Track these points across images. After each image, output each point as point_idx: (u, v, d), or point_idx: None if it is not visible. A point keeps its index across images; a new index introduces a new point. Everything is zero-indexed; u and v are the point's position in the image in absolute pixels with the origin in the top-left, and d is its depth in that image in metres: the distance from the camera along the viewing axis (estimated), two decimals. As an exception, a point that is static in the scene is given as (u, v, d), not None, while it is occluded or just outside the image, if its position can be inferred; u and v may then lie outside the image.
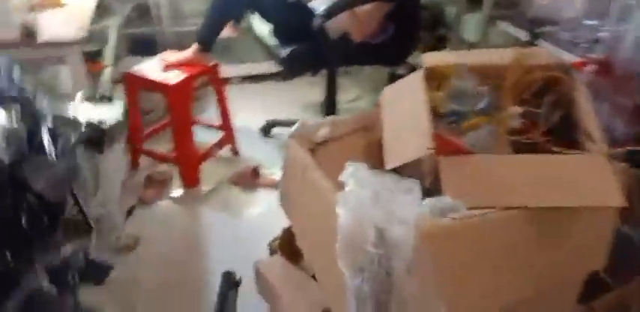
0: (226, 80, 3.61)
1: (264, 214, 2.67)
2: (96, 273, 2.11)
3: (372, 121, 1.59)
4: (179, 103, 2.64)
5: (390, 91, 1.61)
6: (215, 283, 2.08)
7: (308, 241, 1.56)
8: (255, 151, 3.15)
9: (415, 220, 1.16)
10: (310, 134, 1.50)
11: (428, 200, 1.25)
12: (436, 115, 1.53)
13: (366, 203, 1.16)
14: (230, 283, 1.76)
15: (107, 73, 3.09)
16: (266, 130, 3.31)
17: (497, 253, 1.26)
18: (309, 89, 3.66)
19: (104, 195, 2.36)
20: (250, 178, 2.90)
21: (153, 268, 2.31)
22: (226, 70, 3.41)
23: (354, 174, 1.21)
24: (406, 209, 1.18)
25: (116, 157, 2.62)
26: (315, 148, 1.50)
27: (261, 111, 3.51)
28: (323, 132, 1.51)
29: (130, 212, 2.59)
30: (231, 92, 3.12)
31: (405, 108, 1.53)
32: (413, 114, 1.49)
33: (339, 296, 1.23)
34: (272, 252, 2.08)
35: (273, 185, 2.74)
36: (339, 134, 1.55)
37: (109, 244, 2.31)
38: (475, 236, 1.22)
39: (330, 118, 1.55)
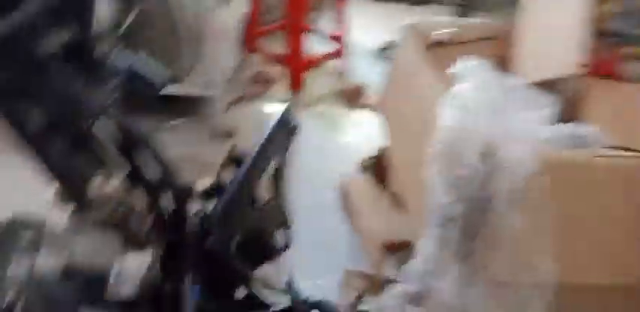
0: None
1: (360, 132, 2.49)
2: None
3: (503, 32, 1.32)
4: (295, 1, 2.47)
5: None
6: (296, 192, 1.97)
7: (401, 154, 1.36)
8: (365, 70, 2.93)
9: (539, 142, 0.93)
10: (428, 31, 1.26)
11: (561, 125, 1.00)
12: (595, 30, 1.23)
13: (479, 108, 0.92)
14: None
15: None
16: (381, 51, 3.06)
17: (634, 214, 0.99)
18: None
19: (210, 76, 2.33)
20: (354, 95, 2.71)
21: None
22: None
23: (473, 70, 0.97)
24: (530, 127, 0.94)
25: (227, 48, 2.57)
26: (430, 47, 1.27)
27: (382, 32, 3.24)
28: (443, 32, 1.26)
29: (232, 103, 2.53)
30: (354, 8, 2.88)
31: (556, 16, 1.24)
32: (566, 24, 1.19)
33: (422, 219, 1.04)
34: (362, 170, 1.95)
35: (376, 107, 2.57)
36: (461, 38, 1.29)
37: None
38: (614, 182, 0.96)
39: (454, 18, 1.30)
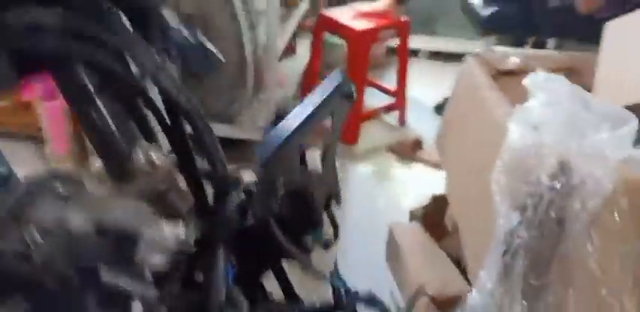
0: (415, 52, 3.42)
1: (413, 185, 2.42)
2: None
3: (580, 64, 1.26)
4: (360, 48, 2.50)
5: (616, 26, 1.25)
6: (346, 235, 1.90)
7: (461, 190, 1.28)
8: (423, 125, 2.89)
9: (617, 162, 0.84)
10: (496, 60, 1.22)
11: (641, 146, 0.91)
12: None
13: (552, 123, 0.85)
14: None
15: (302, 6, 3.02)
16: (440, 107, 3.03)
17: None
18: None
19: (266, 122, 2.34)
20: (410, 149, 2.66)
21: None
22: (417, 41, 3.22)
23: (546, 83, 0.90)
24: (609, 145, 0.85)
25: (285, 96, 2.59)
26: (497, 76, 1.21)
27: (442, 89, 3.24)
28: (512, 60, 1.21)
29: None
30: (416, 65, 2.90)
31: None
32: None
33: (483, 248, 0.94)
34: (412, 218, 1.88)
35: (432, 163, 2.51)
36: (531, 68, 1.23)
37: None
38: None
39: (526, 49, 1.25)
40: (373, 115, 2.78)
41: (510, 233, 0.88)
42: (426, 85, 3.19)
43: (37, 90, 2.03)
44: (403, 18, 2.61)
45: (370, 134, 2.77)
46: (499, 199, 0.87)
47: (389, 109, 2.83)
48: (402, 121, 2.90)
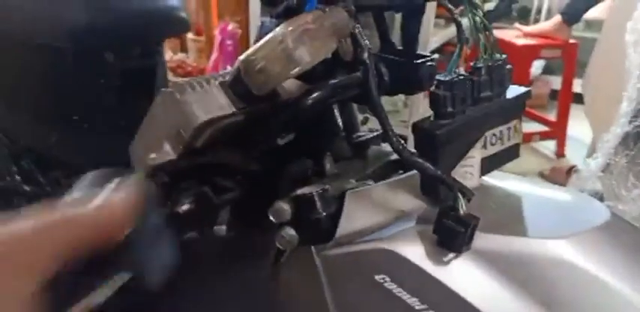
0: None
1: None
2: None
3: None
4: (520, 66, 2.43)
5: None
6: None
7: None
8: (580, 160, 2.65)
9: None
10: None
11: None
12: None
13: None
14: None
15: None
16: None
17: None
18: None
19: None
20: (564, 175, 2.44)
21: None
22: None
23: None
24: None
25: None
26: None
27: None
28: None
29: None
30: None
31: None
32: None
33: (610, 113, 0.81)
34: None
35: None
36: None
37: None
38: None
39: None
40: (527, 138, 2.62)
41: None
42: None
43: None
44: (571, 40, 2.51)
45: (523, 160, 2.60)
46: (634, 51, 0.77)
47: (544, 134, 2.65)
48: (559, 153, 2.69)
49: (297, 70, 0.40)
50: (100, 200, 0.30)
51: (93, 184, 0.35)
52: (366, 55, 0.43)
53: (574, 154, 2.67)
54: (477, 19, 0.47)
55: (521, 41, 2.46)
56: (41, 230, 0.28)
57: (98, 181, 0.34)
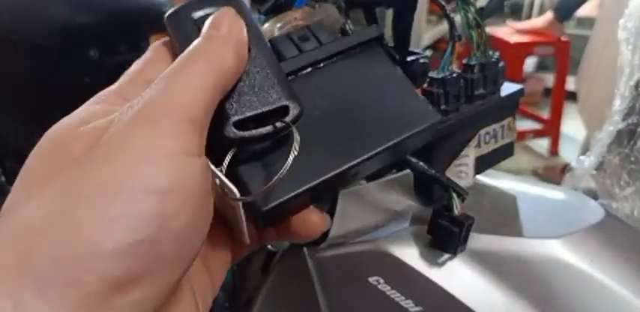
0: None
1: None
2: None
3: None
4: (513, 63, 2.43)
5: None
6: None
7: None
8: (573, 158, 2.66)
9: None
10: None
11: None
12: None
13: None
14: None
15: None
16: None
17: None
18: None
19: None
20: (558, 173, 2.44)
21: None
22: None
23: None
24: None
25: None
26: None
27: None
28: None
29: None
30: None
31: None
32: None
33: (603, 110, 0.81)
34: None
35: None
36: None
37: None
38: None
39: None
40: (521, 137, 2.62)
41: (636, 86, 0.75)
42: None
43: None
44: (563, 37, 2.51)
45: (516, 158, 2.61)
46: (626, 49, 0.77)
47: (538, 131, 2.66)
48: (553, 151, 2.70)
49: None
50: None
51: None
52: (357, 52, 0.43)
53: (568, 152, 2.68)
54: (470, 15, 0.47)
55: (514, 38, 2.46)
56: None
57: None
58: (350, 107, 0.30)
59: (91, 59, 0.82)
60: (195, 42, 0.27)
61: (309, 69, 0.31)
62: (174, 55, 0.28)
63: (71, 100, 0.93)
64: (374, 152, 0.30)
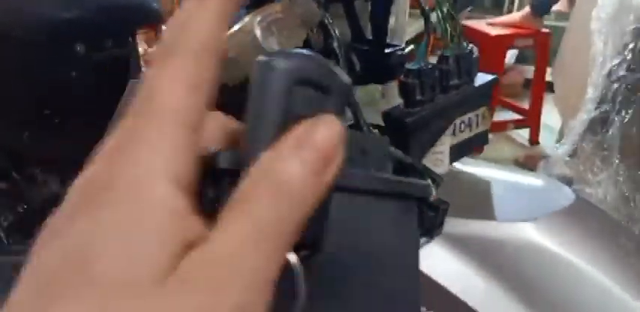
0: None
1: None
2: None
3: None
4: (494, 55, 2.46)
5: None
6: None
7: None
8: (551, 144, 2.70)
9: None
10: None
11: None
12: None
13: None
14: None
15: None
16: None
17: None
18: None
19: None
20: (538, 162, 2.48)
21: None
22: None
23: None
24: None
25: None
26: None
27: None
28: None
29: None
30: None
31: None
32: None
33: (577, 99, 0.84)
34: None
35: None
36: None
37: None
38: None
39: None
40: (502, 127, 2.66)
41: (608, 75, 0.78)
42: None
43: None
44: (543, 29, 2.54)
45: (498, 148, 2.64)
46: (598, 39, 0.79)
47: (518, 121, 2.69)
48: (534, 140, 2.74)
49: (266, 60, 0.41)
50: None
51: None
52: (336, 44, 0.44)
53: (548, 142, 2.72)
54: (444, 9, 0.48)
55: (494, 31, 2.49)
56: None
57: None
58: (351, 259, 0.26)
59: (77, 54, 0.82)
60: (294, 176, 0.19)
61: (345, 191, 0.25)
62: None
63: (58, 96, 0.93)
64: None
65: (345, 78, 0.21)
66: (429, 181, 0.45)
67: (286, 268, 0.20)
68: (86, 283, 0.17)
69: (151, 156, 0.18)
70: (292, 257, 0.20)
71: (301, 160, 0.19)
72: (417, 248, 0.28)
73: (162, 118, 0.19)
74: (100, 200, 0.18)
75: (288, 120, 0.20)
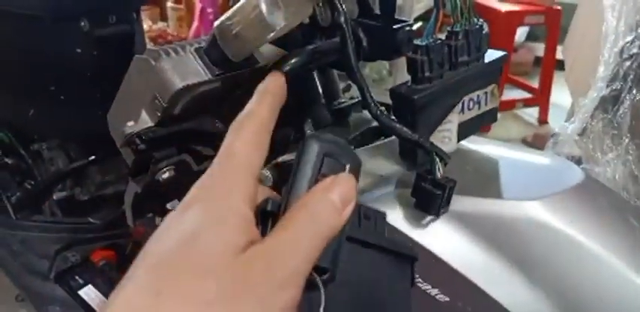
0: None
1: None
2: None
3: None
4: (504, 32, 2.42)
5: None
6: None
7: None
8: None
9: None
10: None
11: None
12: None
13: None
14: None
15: None
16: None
17: None
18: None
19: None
20: (547, 141, 2.46)
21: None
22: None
23: None
24: None
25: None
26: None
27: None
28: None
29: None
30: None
31: None
32: None
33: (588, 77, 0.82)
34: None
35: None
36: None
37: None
38: None
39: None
40: (510, 105, 2.63)
41: (620, 53, 0.76)
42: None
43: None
44: (555, 6, 2.50)
45: (506, 127, 2.62)
46: (610, 15, 0.77)
47: (528, 100, 2.67)
48: (542, 119, 2.71)
49: (272, 35, 0.40)
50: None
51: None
52: (342, 19, 0.43)
53: (557, 121, 2.69)
54: (454, -18, 0.47)
55: (505, 7, 2.44)
56: None
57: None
58: (355, 293, 0.32)
59: (81, 30, 0.81)
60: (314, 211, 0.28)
61: (354, 242, 0.33)
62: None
63: (63, 72, 0.93)
64: None
65: (356, 154, 0.32)
66: (436, 158, 0.45)
67: (309, 288, 0.28)
68: (190, 254, 0.25)
69: (235, 184, 0.29)
70: (315, 276, 0.28)
71: (328, 199, 0.29)
72: (409, 294, 0.35)
73: (239, 164, 0.30)
74: (201, 204, 0.28)
75: (318, 179, 0.30)
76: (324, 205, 0.28)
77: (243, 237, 0.27)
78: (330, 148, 0.31)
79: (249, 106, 0.33)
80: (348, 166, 0.31)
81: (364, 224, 0.34)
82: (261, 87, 0.35)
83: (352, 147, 0.52)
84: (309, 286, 0.28)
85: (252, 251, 0.26)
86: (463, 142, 0.53)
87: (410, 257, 0.35)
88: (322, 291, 0.28)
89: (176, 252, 0.26)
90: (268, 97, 0.34)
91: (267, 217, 0.29)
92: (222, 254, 0.26)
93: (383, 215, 0.35)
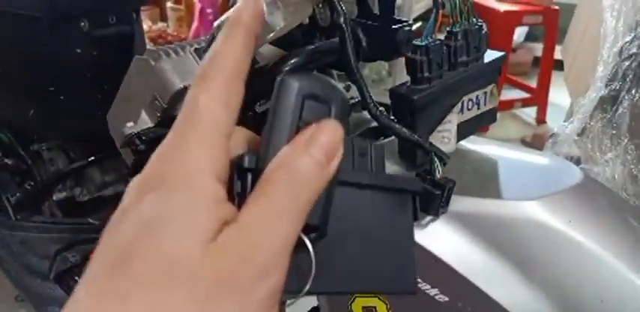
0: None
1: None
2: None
3: None
4: (502, 32, 2.43)
5: None
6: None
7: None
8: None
9: None
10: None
11: None
12: None
13: None
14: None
15: None
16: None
17: None
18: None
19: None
20: (545, 141, 2.47)
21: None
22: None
23: None
24: None
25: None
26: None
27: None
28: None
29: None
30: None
31: None
32: None
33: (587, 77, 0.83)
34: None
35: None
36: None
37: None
38: None
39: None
40: (509, 105, 2.64)
41: (620, 53, 0.76)
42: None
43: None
44: (553, 6, 2.50)
45: (504, 127, 2.63)
46: (610, 15, 0.77)
47: (525, 100, 2.67)
48: (541, 119, 2.72)
49: (271, 35, 0.40)
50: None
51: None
52: (342, 19, 0.43)
53: (555, 121, 2.70)
54: (453, -18, 0.47)
55: (503, 7, 2.45)
56: None
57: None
58: (353, 240, 0.30)
59: (81, 30, 0.82)
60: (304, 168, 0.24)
61: (348, 186, 0.29)
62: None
63: (63, 73, 0.93)
64: (342, 291, 0.31)
65: (344, 93, 0.28)
66: (436, 159, 0.45)
67: (298, 248, 0.24)
68: (154, 249, 0.22)
69: (198, 156, 0.24)
70: (304, 237, 0.25)
71: (310, 155, 0.24)
72: (411, 231, 0.32)
73: (204, 127, 0.25)
74: (160, 189, 0.23)
75: (300, 126, 0.26)
76: (306, 163, 0.24)
77: (214, 221, 0.23)
78: (312, 88, 0.27)
79: (216, 45, 0.27)
80: (333, 109, 0.27)
81: (359, 163, 0.30)
82: (231, 17, 0.28)
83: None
84: (297, 245, 0.24)
85: (225, 236, 0.23)
86: (462, 143, 0.53)
87: (411, 192, 0.32)
88: (312, 252, 0.25)
89: (137, 248, 0.22)
90: (240, 30, 0.27)
91: (245, 173, 0.25)
92: (190, 247, 0.22)
93: (380, 147, 0.31)
